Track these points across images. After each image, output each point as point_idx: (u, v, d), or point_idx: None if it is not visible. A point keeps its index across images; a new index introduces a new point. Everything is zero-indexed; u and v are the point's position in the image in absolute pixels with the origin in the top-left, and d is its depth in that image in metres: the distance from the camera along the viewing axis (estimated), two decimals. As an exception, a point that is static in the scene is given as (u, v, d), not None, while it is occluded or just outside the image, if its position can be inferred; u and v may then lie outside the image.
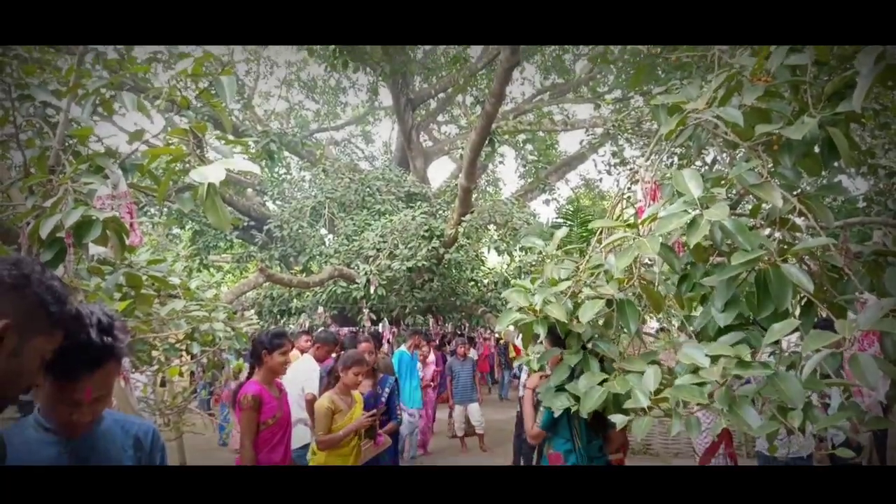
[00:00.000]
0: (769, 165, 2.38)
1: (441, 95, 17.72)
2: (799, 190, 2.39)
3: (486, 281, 13.29)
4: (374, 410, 4.51)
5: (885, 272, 2.53)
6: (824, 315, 2.33)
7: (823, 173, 2.47)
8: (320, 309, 12.81)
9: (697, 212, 2.11)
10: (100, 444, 1.55)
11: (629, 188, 2.86)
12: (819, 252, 2.33)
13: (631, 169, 10.49)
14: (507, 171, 44.54)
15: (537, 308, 2.70)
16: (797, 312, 2.43)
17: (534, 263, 12.22)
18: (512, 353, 13.28)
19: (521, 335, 8.33)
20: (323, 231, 14.12)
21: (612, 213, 2.88)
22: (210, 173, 1.90)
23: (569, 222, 10.64)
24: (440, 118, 20.54)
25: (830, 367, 2.04)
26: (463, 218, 10.53)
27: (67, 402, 1.43)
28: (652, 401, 2.13)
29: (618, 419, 2.19)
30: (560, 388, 2.72)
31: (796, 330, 2.09)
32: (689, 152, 3.17)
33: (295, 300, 13.87)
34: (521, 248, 11.11)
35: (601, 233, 2.83)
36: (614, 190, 16.24)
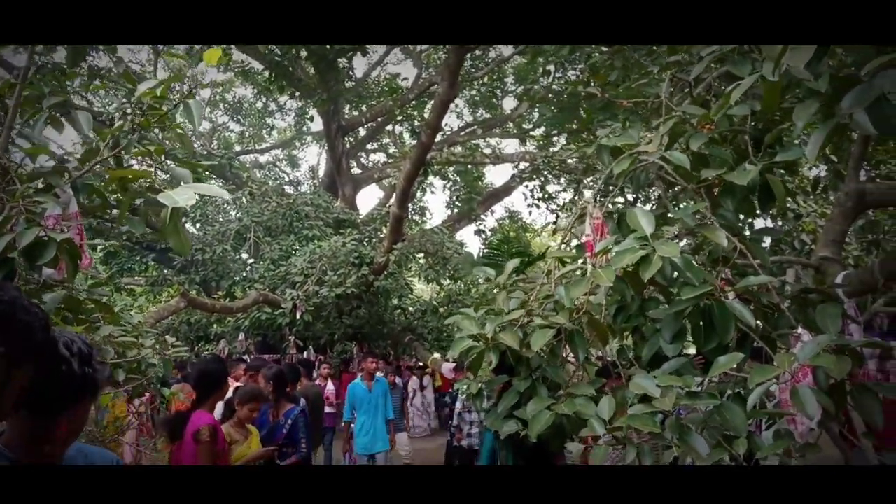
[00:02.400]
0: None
1: (371, 124, 17.80)
2: (737, 231, 2.56)
3: (412, 309, 13.30)
4: (272, 447, 4.53)
5: (810, 308, 2.73)
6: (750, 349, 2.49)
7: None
8: (241, 335, 12.45)
9: (650, 248, 2.23)
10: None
11: (577, 223, 2.98)
12: (755, 289, 2.50)
13: (566, 207, 10.83)
14: (434, 201, 45.00)
15: (489, 336, 2.76)
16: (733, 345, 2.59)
17: (460, 293, 12.36)
18: (438, 383, 13.27)
19: (465, 363, 8.30)
20: (245, 255, 13.80)
21: (564, 246, 2.98)
22: (180, 197, 1.86)
23: (497, 254, 10.84)
24: (369, 146, 20.60)
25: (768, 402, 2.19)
26: (394, 246, 10.56)
27: (42, 439, 1.35)
28: (607, 430, 2.21)
29: (574, 448, 2.25)
30: (508, 415, 2.78)
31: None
32: (635, 191, 3.35)
33: (215, 325, 13.43)
34: (451, 278, 11.21)
35: (551, 264, 2.92)
36: (539, 222, 16.70)
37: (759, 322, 2.58)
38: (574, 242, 3.42)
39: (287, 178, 23.24)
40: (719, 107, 2.29)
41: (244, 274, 13.26)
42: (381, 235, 13.47)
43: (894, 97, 1.42)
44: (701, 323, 2.32)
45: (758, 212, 2.69)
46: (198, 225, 16.04)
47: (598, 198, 3.24)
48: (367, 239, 12.35)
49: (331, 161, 17.42)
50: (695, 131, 2.53)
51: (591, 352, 2.98)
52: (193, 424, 3.60)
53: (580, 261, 2.81)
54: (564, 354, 2.94)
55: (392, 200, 16.44)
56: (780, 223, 8.75)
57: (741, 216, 2.71)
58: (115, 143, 2.35)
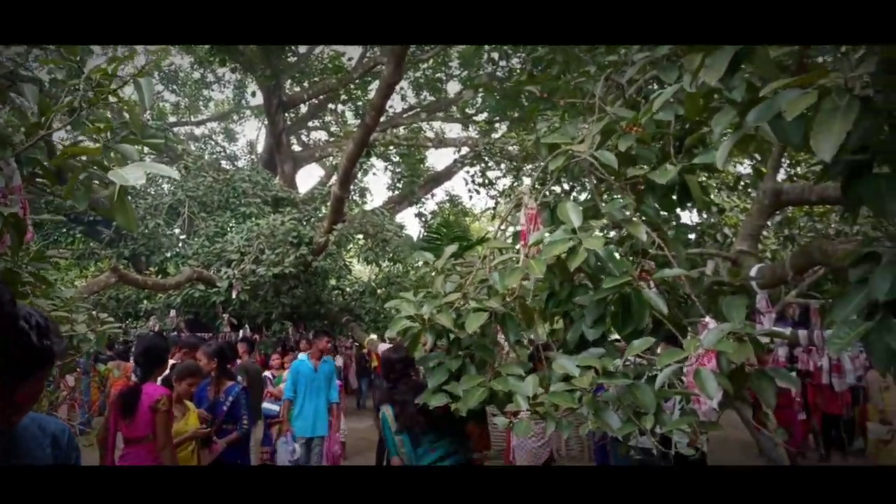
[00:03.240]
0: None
1: (313, 101, 17.59)
2: (657, 226, 2.77)
3: (351, 290, 13.34)
4: (207, 427, 4.59)
5: (720, 298, 2.97)
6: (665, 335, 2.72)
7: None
8: (173, 312, 12.23)
9: (577, 240, 2.41)
10: (20, 440, 1.53)
11: (514, 212, 3.14)
12: (671, 280, 2.71)
13: (506, 193, 11.04)
14: (375, 182, 44.73)
15: (426, 317, 2.89)
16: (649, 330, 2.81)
17: (399, 275, 12.47)
18: (374, 363, 13.37)
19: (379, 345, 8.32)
20: (178, 231, 13.51)
21: (500, 235, 3.14)
22: (130, 175, 1.90)
23: (437, 238, 11.00)
24: (310, 124, 20.35)
25: (675, 383, 2.41)
26: (334, 226, 10.56)
27: (2, 406, 1.40)
28: (530, 405, 2.39)
29: (500, 421, 2.43)
30: (438, 390, 2.93)
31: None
32: (569, 182, 3.53)
33: (145, 302, 13.12)
34: (390, 259, 11.30)
35: (487, 251, 3.08)
36: (478, 207, 16.94)
37: (674, 310, 2.81)
38: (510, 230, 3.59)
39: (223, 153, 22.73)
40: (645, 111, 2.47)
41: (177, 250, 12.99)
42: (321, 215, 13.42)
43: (788, 115, 1.61)
44: (620, 310, 2.51)
45: (678, 208, 2.92)
46: (129, 197, 15.54)
47: (535, 187, 3.41)
48: (306, 218, 12.28)
49: (270, 137, 17.15)
50: (623, 132, 2.71)
51: (522, 335, 3.16)
52: (150, 397, 3.77)
53: (515, 249, 2.98)
54: (497, 337, 3.11)
55: (333, 180, 16.36)
56: (705, 216, 9.22)
57: (663, 212, 2.93)
58: (62, 119, 2.35)
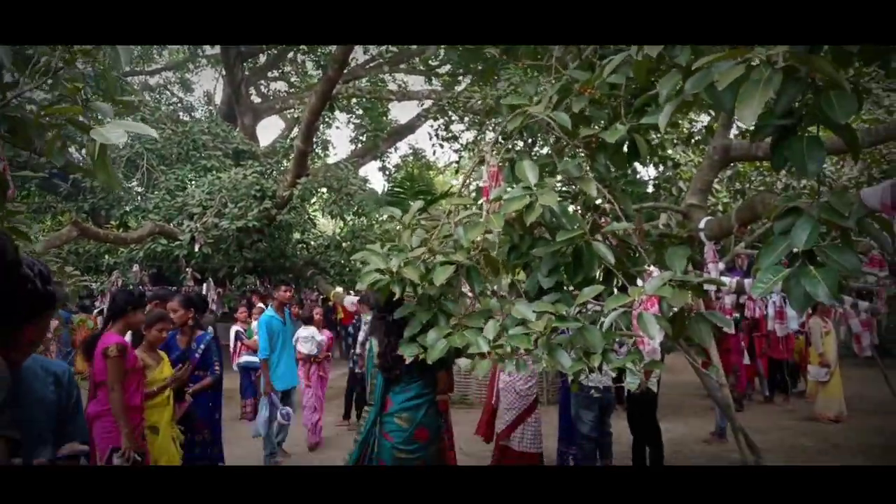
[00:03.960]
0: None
1: (272, 51, 17.24)
2: (609, 182, 2.97)
3: (315, 243, 13.40)
4: (183, 366, 4.74)
5: (667, 249, 3.21)
6: (620, 283, 2.95)
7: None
8: (135, 267, 12.16)
9: (533, 197, 2.59)
10: (24, 379, 1.66)
11: (476, 168, 3.31)
12: (620, 232, 2.93)
13: (469, 147, 11.13)
14: (337, 135, 44.09)
15: (394, 270, 3.07)
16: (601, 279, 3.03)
17: (364, 228, 12.58)
18: (340, 315, 13.56)
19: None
20: (135, 184, 13.31)
21: (464, 191, 3.31)
22: (111, 134, 2.00)
23: (402, 192, 11.11)
24: (270, 74, 19.94)
25: (623, 323, 2.64)
26: (298, 180, 10.57)
27: (10, 347, 1.51)
28: (491, 348, 2.61)
29: (463, 363, 2.66)
30: (412, 339, 3.14)
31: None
32: (526, 142, 3.70)
33: (106, 256, 12.99)
34: (355, 213, 11.37)
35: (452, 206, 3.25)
36: (442, 161, 17.00)
37: (623, 260, 3.04)
38: (473, 185, 3.77)
39: (180, 104, 22.15)
40: (597, 75, 2.64)
41: (137, 204, 12.83)
42: (284, 168, 13.35)
43: (720, 85, 1.79)
44: (572, 261, 2.73)
45: (629, 165, 3.12)
46: (83, 150, 15.20)
47: (497, 143, 3.57)
48: (269, 172, 12.22)
49: (229, 88, 16.81)
50: (578, 94, 2.88)
51: (487, 286, 3.36)
52: (103, 343, 3.93)
53: (478, 204, 3.15)
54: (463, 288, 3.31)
55: (295, 133, 16.20)
56: (661, 171, 9.51)
57: (615, 169, 3.13)
58: (40, 77, 2.41)
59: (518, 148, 5.99)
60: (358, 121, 13.88)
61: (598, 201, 3.05)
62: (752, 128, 1.76)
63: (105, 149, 2.13)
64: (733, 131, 6.49)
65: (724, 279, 5.84)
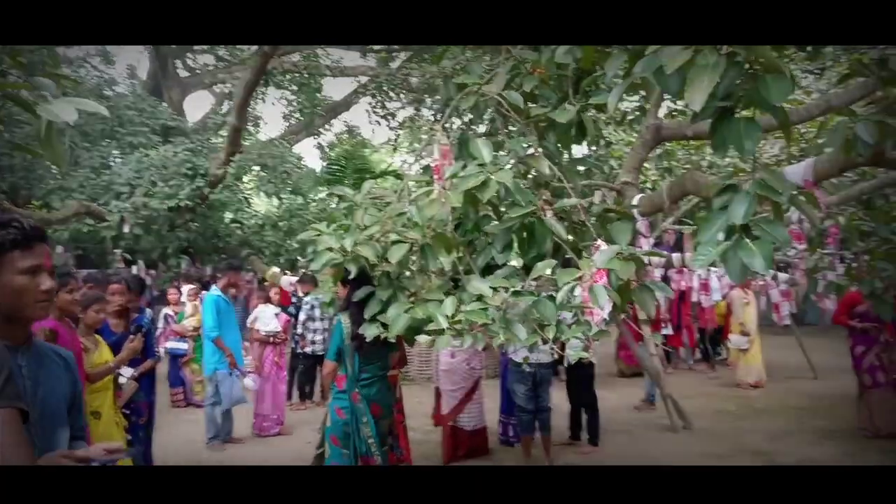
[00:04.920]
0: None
1: (200, 23, 16.57)
2: (558, 160, 3.09)
3: (250, 223, 13.12)
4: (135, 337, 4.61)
5: (609, 224, 3.36)
6: (568, 257, 3.08)
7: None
8: (60, 249, 11.63)
9: (488, 174, 2.67)
10: (44, 359, 1.68)
11: (425, 146, 3.36)
12: (569, 209, 3.06)
13: (406, 125, 11.09)
14: (268, 111, 42.89)
15: (348, 249, 3.10)
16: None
17: (301, 207, 12.40)
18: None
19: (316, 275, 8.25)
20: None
21: (408, 168, 3.35)
22: (62, 112, 1.95)
23: (340, 170, 11.00)
24: (197, 47, 19.21)
25: (572, 298, 2.77)
26: (231, 158, 10.31)
27: (29, 274, 1.54)
28: (450, 322, 2.69)
29: (423, 339, 2.72)
30: (372, 319, 3.19)
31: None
32: (475, 120, 3.76)
33: (27, 238, 12.34)
34: (292, 192, 11.20)
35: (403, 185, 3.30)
36: (377, 138, 16.87)
37: (570, 236, 3.18)
38: (416, 164, 3.82)
39: (102, 78, 21.08)
40: (548, 58, 2.73)
41: (59, 182, 12.23)
42: (213, 144, 12.97)
43: (668, 69, 1.91)
44: (525, 236, 2.84)
45: (575, 144, 3.24)
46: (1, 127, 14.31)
47: (444, 123, 3.63)
48: (200, 149, 11.85)
49: (154, 61, 16.13)
50: (528, 74, 2.97)
51: (441, 262, 3.42)
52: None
53: (430, 182, 3.21)
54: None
55: (225, 108, 15.74)
56: (593, 149, 9.76)
57: (561, 147, 3.25)
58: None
59: (456, 127, 6.06)
60: (293, 97, 13.58)
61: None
62: (697, 110, 1.88)
63: (52, 126, 2.08)
64: (662, 111, 6.74)
65: (664, 253, 6.12)
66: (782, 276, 7.77)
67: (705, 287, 9.39)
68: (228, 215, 12.79)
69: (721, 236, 2.26)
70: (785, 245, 2.27)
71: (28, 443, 1.39)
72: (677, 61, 1.88)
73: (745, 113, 2.24)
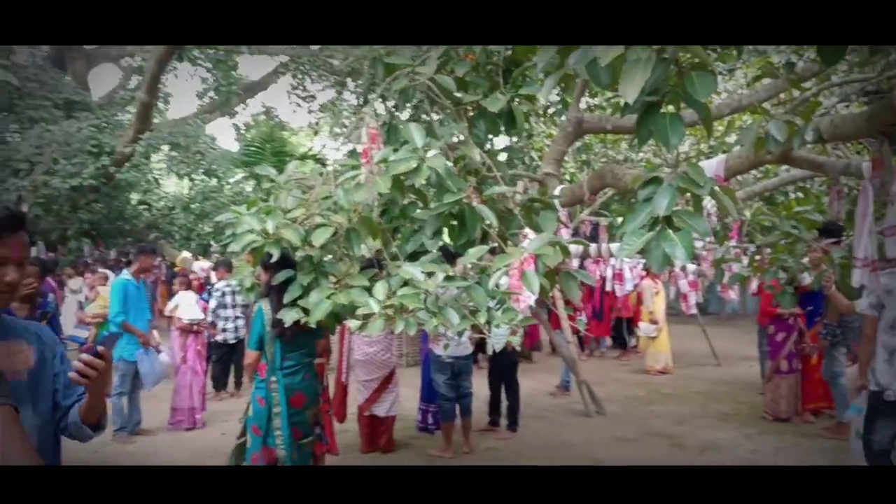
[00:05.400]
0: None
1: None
2: (488, 148, 3.10)
3: (159, 205, 12.53)
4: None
5: (534, 214, 3.41)
6: (496, 244, 3.10)
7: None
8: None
9: (421, 159, 2.65)
10: (10, 328, 1.61)
11: (354, 129, 3.30)
12: (496, 197, 3.08)
13: (331, 105, 10.87)
14: (179, 87, 41.02)
15: (271, 232, 3.01)
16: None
17: (215, 190, 11.95)
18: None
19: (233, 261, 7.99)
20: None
21: (326, 147, 3.28)
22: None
23: (257, 152, 10.65)
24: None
25: (505, 283, 2.79)
26: (140, 135, 9.80)
27: None
28: (381, 307, 2.65)
29: (353, 323, 2.68)
30: (292, 304, 3.10)
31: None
32: (401, 105, 3.71)
33: None
34: (205, 173, 10.76)
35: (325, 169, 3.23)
36: (296, 121, 16.46)
37: (498, 223, 3.20)
38: (339, 148, 3.75)
39: (-6, 45, 19.56)
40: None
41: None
42: (120, 120, 12.28)
43: (602, 62, 1.94)
44: (455, 223, 2.83)
45: (504, 133, 3.26)
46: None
47: (372, 106, 3.57)
48: (106, 125, 11.19)
49: (56, 31, 15.07)
50: (461, 59, 2.96)
51: (364, 248, 3.37)
52: None
53: (358, 166, 3.15)
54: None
55: (134, 83, 14.94)
56: (514, 140, 9.92)
57: (489, 135, 3.26)
58: None
59: (384, 112, 6.00)
60: (208, 74, 13.02)
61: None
62: (631, 102, 1.92)
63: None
64: (581, 104, 6.90)
65: (587, 242, 6.29)
66: (691, 266, 8.16)
67: (619, 277, 9.75)
68: (135, 196, 12.17)
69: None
70: (705, 236, 2.36)
71: (26, 438, 1.36)
72: (611, 55, 1.91)
73: (670, 108, 2.32)
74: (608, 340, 11.50)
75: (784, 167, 6.51)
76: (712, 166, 4.01)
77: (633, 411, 7.40)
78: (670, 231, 2.26)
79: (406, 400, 6.71)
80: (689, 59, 2.02)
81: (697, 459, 5.59)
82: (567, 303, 8.65)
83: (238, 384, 8.20)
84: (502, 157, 5.29)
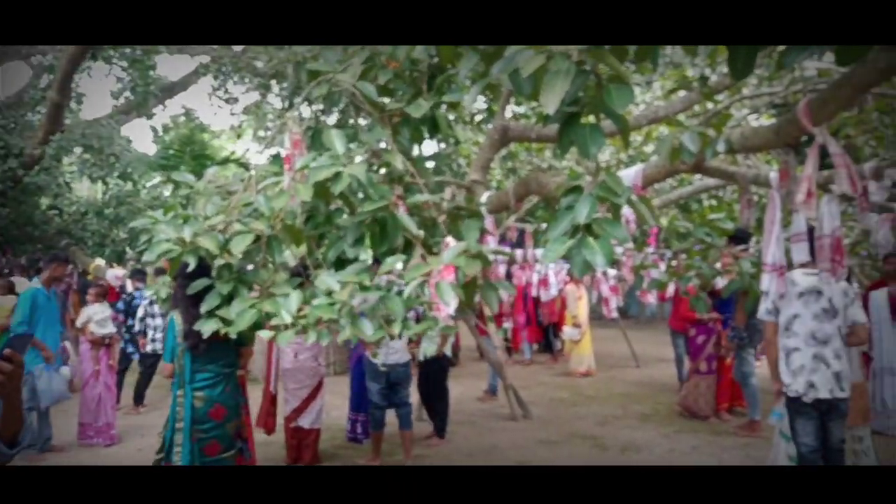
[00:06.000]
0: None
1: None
2: (411, 155, 3.08)
3: (71, 210, 11.91)
4: None
5: (458, 221, 3.42)
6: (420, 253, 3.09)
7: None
8: None
9: (342, 166, 2.61)
10: None
11: (277, 135, 3.22)
12: (420, 204, 3.07)
13: (255, 108, 10.60)
14: (93, 87, 39.21)
15: (188, 239, 2.89)
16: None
17: (131, 194, 11.48)
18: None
19: (153, 269, 7.66)
20: None
21: (253, 153, 3.20)
22: None
23: (176, 156, 10.26)
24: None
25: (421, 294, 2.78)
26: (51, 137, 9.29)
27: None
28: (295, 318, 2.59)
29: (264, 334, 2.60)
30: (210, 314, 2.98)
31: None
32: (327, 110, 3.65)
33: None
34: (120, 177, 10.30)
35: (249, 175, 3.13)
36: (217, 123, 15.97)
37: (421, 232, 3.19)
38: (263, 153, 3.66)
39: None
40: (409, 51, 2.72)
41: None
42: (30, 121, 11.62)
43: (524, 72, 1.96)
44: (377, 231, 2.80)
45: (427, 140, 3.25)
46: None
47: (295, 111, 3.50)
48: (13, 126, 10.55)
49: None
50: (383, 66, 2.93)
51: (287, 256, 3.28)
52: None
53: (279, 172, 3.07)
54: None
55: (45, 82, 14.15)
56: (442, 147, 9.97)
57: (414, 143, 3.25)
58: None
59: (309, 117, 5.90)
60: (123, 73, 12.44)
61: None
62: (551, 113, 1.94)
63: None
64: (507, 113, 7.01)
65: (507, 249, 6.35)
66: (612, 272, 8.38)
67: (544, 283, 9.92)
68: (45, 201, 11.53)
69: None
70: (624, 243, 2.43)
71: None
72: (532, 65, 1.94)
73: (591, 118, 2.37)
74: (534, 346, 11.68)
75: (698, 176, 6.80)
76: (630, 175, 4.12)
77: (557, 413, 7.53)
78: (591, 238, 2.31)
79: (333, 409, 6.60)
80: (608, 72, 2.06)
81: (618, 459, 5.73)
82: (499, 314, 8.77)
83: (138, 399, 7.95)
84: (431, 164, 5.31)
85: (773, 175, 3.66)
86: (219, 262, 2.95)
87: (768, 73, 5.92)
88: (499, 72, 2.12)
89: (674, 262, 5.23)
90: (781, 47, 2.09)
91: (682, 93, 5.35)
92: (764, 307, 4.09)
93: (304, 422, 5.46)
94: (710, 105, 5.69)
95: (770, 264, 3.70)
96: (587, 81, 2.15)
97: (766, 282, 3.80)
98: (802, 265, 3.85)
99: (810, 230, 3.61)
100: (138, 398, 7.69)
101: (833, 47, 2.12)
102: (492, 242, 5.27)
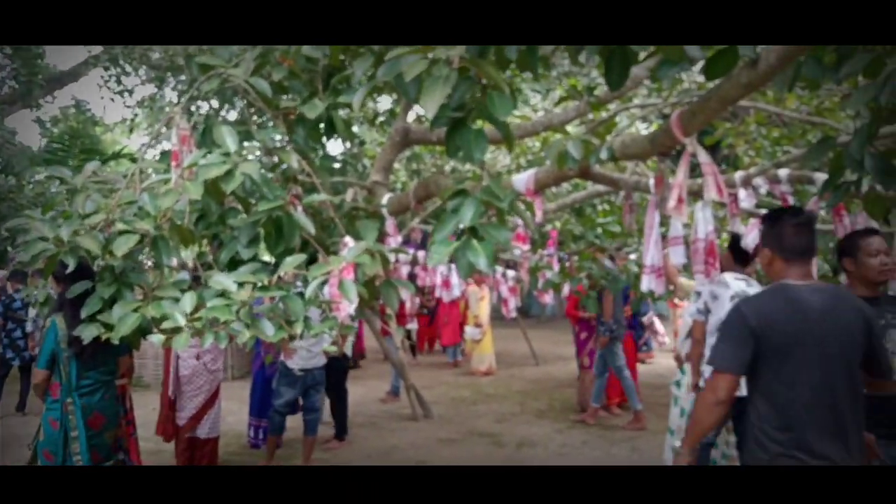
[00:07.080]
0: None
1: None
2: (306, 154, 3.08)
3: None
4: None
5: (357, 222, 3.45)
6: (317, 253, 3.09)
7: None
8: None
9: (233, 164, 2.58)
10: None
11: (164, 129, 3.14)
12: (318, 205, 3.07)
13: (151, 101, 10.14)
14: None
15: (66, 240, 2.76)
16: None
17: (13, 190, 10.71)
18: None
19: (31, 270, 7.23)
20: None
21: (145, 153, 3.10)
22: None
23: (63, 150, 9.66)
24: None
25: (320, 294, 2.78)
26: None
27: None
28: (189, 320, 2.53)
29: (156, 339, 2.52)
30: (91, 319, 2.85)
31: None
32: (224, 106, 3.57)
33: None
34: (3, 171, 9.58)
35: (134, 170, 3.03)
36: (110, 116, 15.16)
37: (319, 231, 3.19)
38: (154, 149, 3.55)
39: None
40: (296, 49, 2.72)
41: None
42: None
43: (406, 77, 2.02)
44: (273, 231, 2.79)
45: (325, 140, 3.27)
46: None
47: (187, 106, 3.41)
48: None
49: None
50: (277, 63, 2.92)
51: (175, 257, 3.18)
52: None
53: (166, 169, 2.99)
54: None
55: None
56: (347, 146, 9.92)
57: (311, 142, 3.25)
58: None
59: (204, 113, 5.74)
60: (6, 61, 11.55)
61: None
62: (430, 118, 2.01)
63: None
64: (411, 116, 7.08)
65: (410, 250, 6.41)
66: (510, 273, 8.62)
67: (446, 284, 10.05)
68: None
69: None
70: (506, 246, 2.53)
71: None
72: (414, 70, 2.00)
73: (479, 123, 2.46)
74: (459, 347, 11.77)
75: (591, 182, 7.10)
76: (523, 180, 4.27)
77: (458, 412, 7.67)
78: (475, 241, 2.40)
79: (230, 414, 6.45)
80: (486, 79, 2.16)
81: (514, 455, 5.92)
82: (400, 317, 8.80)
83: (21, 406, 7.48)
84: (336, 164, 5.27)
85: (652, 182, 3.90)
86: (100, 263, 2.84)
87: (657, 86, 6.28)
88: (383, 75, 2.17)
89: (567, 264, 5.46)
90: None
91: (575, 102, 5.60)
92: (695, 307, 4.32)
93: (202, 432, 5.20)
94: (604, 114, 5.97)
95: (649, 266, 3.94)
96: (472, 88, 2.24)
97: (646, 283, 4.04)
98: (730, 270, 4.15)
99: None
100: (21, 405, 7.27)
101: (703, 63, 2.33)
102: (393, 243, 5.31)
